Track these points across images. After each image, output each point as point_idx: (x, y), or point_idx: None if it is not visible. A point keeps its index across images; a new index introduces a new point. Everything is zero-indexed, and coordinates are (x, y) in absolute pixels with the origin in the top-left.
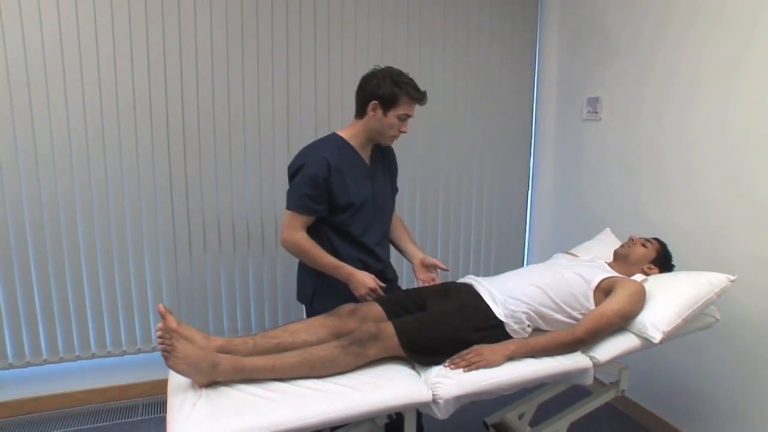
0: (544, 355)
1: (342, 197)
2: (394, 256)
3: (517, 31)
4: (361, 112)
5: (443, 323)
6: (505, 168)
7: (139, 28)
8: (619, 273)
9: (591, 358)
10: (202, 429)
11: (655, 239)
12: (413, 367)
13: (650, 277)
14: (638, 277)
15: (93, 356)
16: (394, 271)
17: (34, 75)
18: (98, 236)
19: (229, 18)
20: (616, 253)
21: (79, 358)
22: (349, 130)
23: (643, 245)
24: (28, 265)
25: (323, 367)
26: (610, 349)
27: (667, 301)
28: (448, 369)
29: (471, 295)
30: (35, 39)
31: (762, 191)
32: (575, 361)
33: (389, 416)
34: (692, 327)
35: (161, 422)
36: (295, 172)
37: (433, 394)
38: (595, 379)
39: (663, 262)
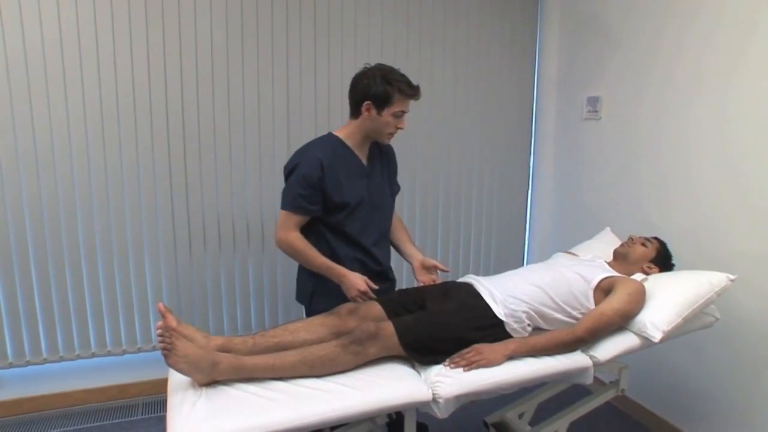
0: (544, 354)
1: (337, 197)
2: (393, 257)
3: (517, 30)
4: (355, 113)
5: (443, 322)
6: (505, 167)
7: (139, 28)
8: (619, 272)
9: (591, 357)
10: (202, 428)
11: (655, 238)
12: (413, 367)
13: (650, 277)
14: (638, 276)
15: (93, 355)
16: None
17: (34, 75)
18: (98, 235)
19: (229, 18)
20: (615, 253)
21: (79, 357)
22: (345, 130)
23: (643, 244)
24: (28, 265)
25: (323, 366)
26: (610, 348)
27: (667, 301)
28: (448, 368)
29: (471, 294)
30: (35, 39)
31: (762, 190)
32: (575, 360)
33: (389, 415)
34: (692, 326)
35: (161, 421)
36: (290, 172)
37: (433, 394)
38: (595, 378)
39: (663, 261)
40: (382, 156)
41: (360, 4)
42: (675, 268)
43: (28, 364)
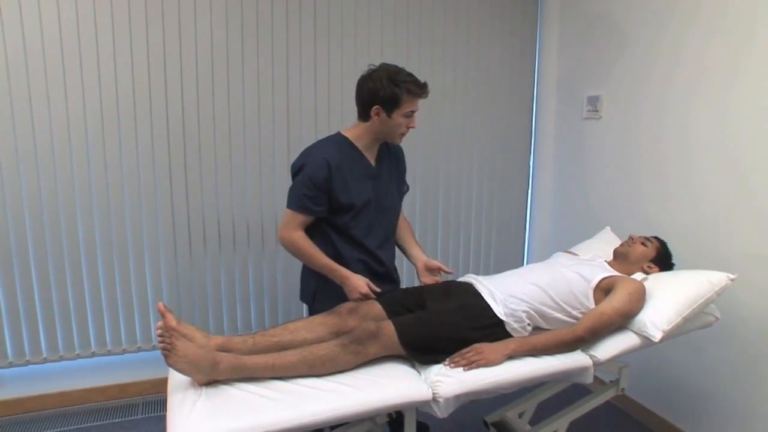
0: (544, 353)
1: (343, 198)
2: (396, 257)
3: (517, 30)
4: (364, 116)
5: (443, 322)
6: (505, 167)
7: (139, 28)
8: (619, 272)
9: (591, 356)
10: (202, 427)
11: (655, 238)
12: (413, 366)
13: (650, 276)
14: (638, 275)
15: (93, 355)
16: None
17: (34, 75)
18: (98, 235)
19: (229, 18)
20: (616, 252)
21: (79, 356)
22: (354, 131)
23: (643, 244)
24: (28, 264)
25: (323, 365)
26: (610, 347)
27: (667, 300)
28: (448, 368)
29: (471, 293)
30: (35, 38)
31: (762, 190)
32: (575, 359)
33: (389, 415)
34: (692, 326)
35: (161, 421)
36: (297, 171)
37: (433, 393)
38: (595, 377)
39: (663, 260)
40: (391, 157)
41: (360, 4)
42: (675, 267)
43: (28, 363)
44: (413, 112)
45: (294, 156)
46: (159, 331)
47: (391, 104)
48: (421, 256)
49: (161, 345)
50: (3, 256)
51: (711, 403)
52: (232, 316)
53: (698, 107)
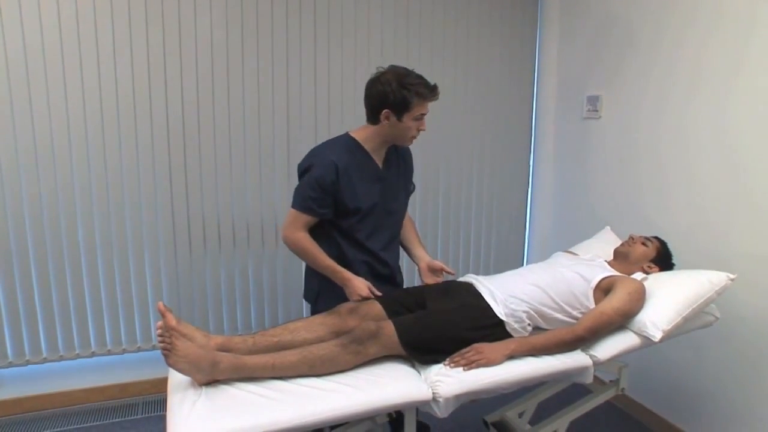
0: (545, 353)
1: (350, 201)
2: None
3: (517, 30)
4: (373, 119)
5: (443, 322)
6: (505, 166)
7: (139, 28)
8: (619, 272)
9: (591, 356)
10: (201, 427)
11: (655, 238)
12: (413, 366)
13: (650, 276)
14: (638, 275)
15: (93, 354)
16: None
17: (34, 75)
18: (98, 235)
19: (229, 18)
20: (616, 252)
21: (79, 356)
22: (363, 133)
23: (643, 244)
24: (28, 264)
25: (323, 365)
26: (610, 347)
27: (667, 300)
28: (448, 367)
29: (471, 293)
30: (35, 38)
31: (762, 190)
32: (575, 359)
33: (389, 415)
34: (692, 325)
35: (161, 420)
36: (303, 171)
37: (433, 393)
38: (595, 377)
39: (663, 260)
40: (399, 159)
41: (360, 4)
42: (675, 267)
43: (28, 363)
44: (423, 115)
45: (294, 156)
46: (159, 331)
47: (401, 108)
48: (424, 257)
49: (161, 345)
50: (3, 256)
51: (711, 403)
52: (232, 316)
53: (698, 107)
